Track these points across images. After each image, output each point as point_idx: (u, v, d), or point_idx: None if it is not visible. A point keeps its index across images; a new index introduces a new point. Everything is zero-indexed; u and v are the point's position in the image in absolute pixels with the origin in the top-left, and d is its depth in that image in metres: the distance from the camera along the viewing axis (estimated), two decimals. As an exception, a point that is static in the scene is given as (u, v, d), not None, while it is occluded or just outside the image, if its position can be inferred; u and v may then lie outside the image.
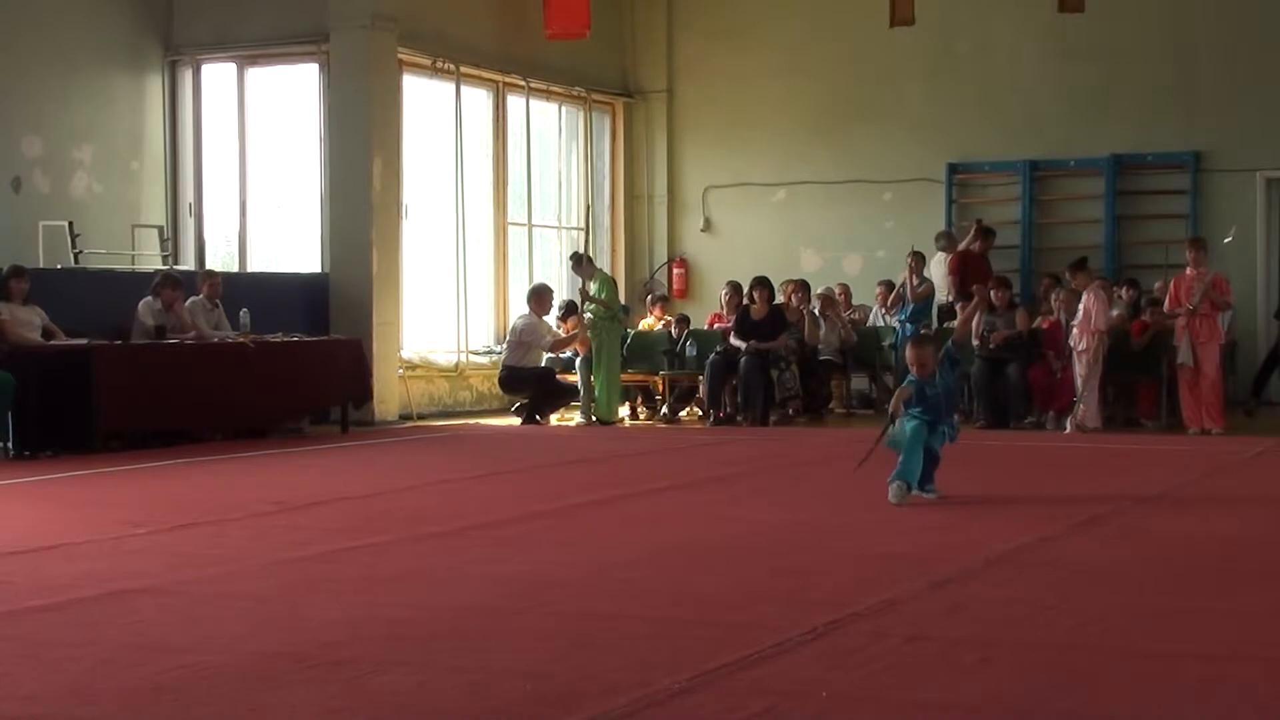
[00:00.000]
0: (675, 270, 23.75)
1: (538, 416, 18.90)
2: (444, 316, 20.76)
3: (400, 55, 19.49)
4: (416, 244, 20.33)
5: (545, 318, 19.63)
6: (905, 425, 10.55)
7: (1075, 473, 13.38)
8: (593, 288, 19.29)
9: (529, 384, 19.06)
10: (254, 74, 20.11)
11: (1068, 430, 17.04)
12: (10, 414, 14.41)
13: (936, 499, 10.70)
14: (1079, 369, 17.10)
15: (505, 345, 19.72)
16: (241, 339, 16.52)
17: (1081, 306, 17.16)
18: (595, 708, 5.25)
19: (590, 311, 19.20)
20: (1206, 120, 20.80)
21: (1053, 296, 18.40)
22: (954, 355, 11.24)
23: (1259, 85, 20.51)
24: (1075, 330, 17.14)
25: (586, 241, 22.27)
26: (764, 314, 18.88)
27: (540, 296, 19.55)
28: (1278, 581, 7.84)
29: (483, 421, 19.33)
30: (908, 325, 19.28)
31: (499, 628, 6.71)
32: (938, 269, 20.57)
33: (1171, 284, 17.38)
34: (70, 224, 17.78)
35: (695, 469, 13.75)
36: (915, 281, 19.66)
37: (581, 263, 19.62)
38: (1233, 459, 14.15)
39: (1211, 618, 6.85)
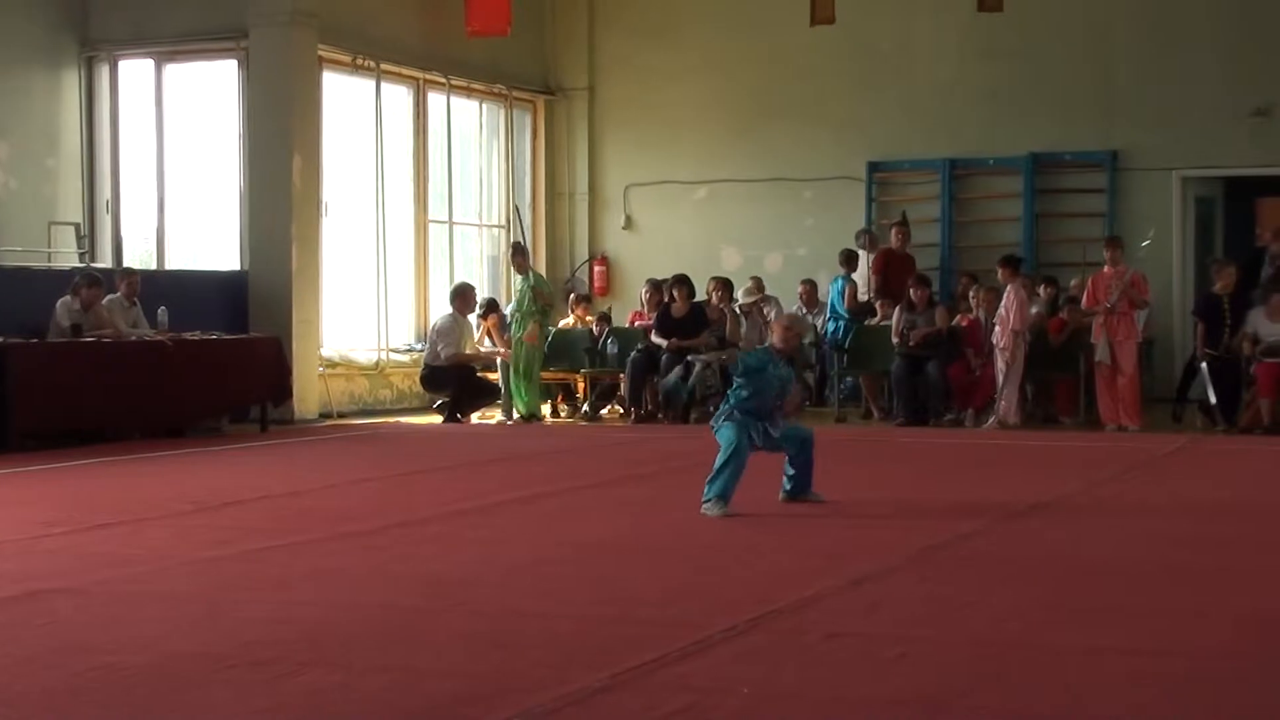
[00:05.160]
0: (596, 268, 23.72)
1: (459, 415, 18.86)
2: (364, 314, 20.65)
3: (320, 52, 19.37)
4: (336, 241, 20.22)
5: (471, 316, 19.53)
6: (727, 431, 10.06)
7: (994, 470, 13.48)
8: (526, 281, 19.25)
9: (451, 382, 18.99)
10: (172, 70, 19.94)
11: (989, 425, 17.16)
12: (-76, 413, 14.27)
13: (822, 502, 10.36)
14: (1000, 366, 17.23)
15: (426, 343, 19.66)
16: (160, 337, 16.40)
17: (1003, 304, 17.30)
18: (517, 706, 5.26)
19: (528, 309, 19.04)
20: (1123, 120, 20.97)
21: (971, 294, 18.51)
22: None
23: (1175, 85, 20.68)
24: (997, 328, 17.27)
25: (509, 240, 22.25)
26: (685, 312, 18.91)
27: (463, 296, 19.45)
28: (1195, 578, 7.93)
29: (403, 420, 19.25)
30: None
31: (420, 626, 6.70)
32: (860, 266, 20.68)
33: (1089, 282, 17.53)
34: (-15, 221, 17.63)
35: (617, 467, 13.76)
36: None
37: (521, 253, 19.70)
38: (1149, 456, 14.28)
39: (1129, 614, 6.92)
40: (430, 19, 21.37)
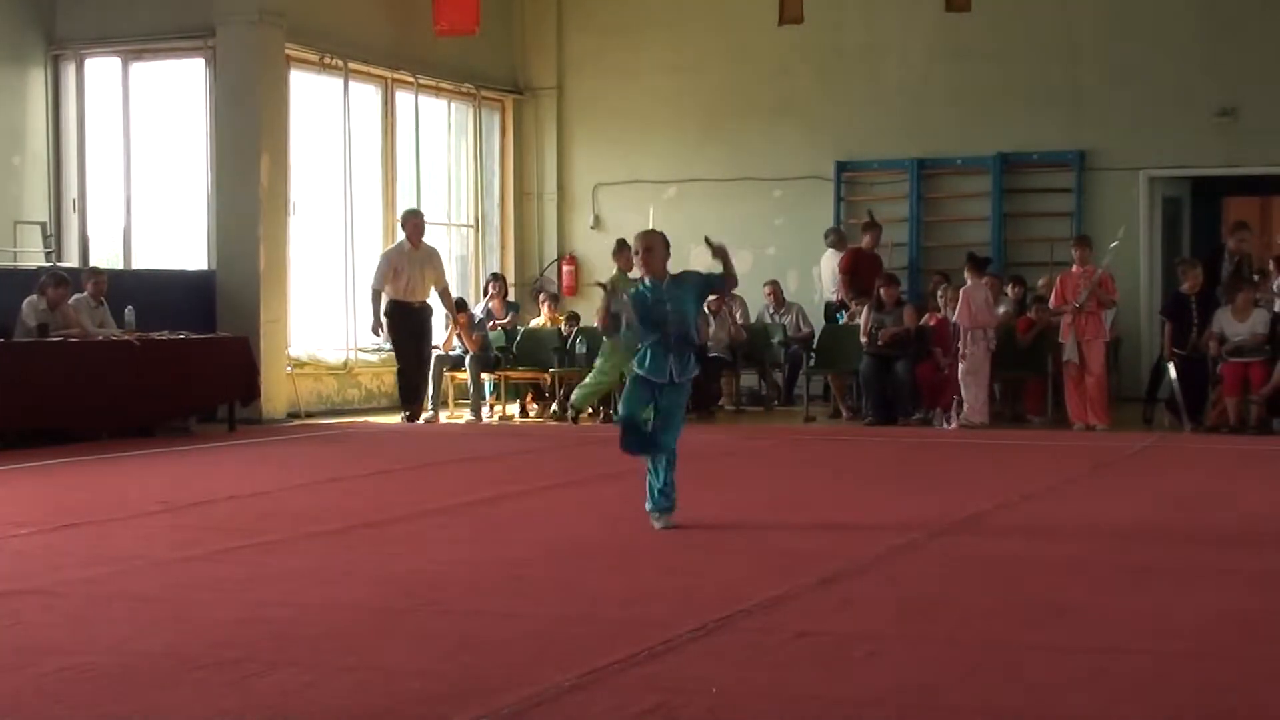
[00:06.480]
0: (565, 268, 23.70)
1: (425, 416, 18.81)
2: (332, 314, 20.61)
3: (288, 51, 19.32)
4: (304, 241, 20.17)
5: (424, 243, 19.11)
6: (629, 385, 9.57)
7: (962, 468, 13.50)
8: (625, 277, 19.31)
9: (388, 321, 18.81)
10: (139, 68, 19.87)
11: (952, 426, 17.20)
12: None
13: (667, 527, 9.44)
14: (963, 365, 17.28)
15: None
16: (127, 337, 16.34)
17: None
18: (485, 706, 5.24)
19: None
20: (1091, 120, 21.02)
21: (940, 294, 18.54)
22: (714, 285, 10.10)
23: (1142, 86, 20.74)
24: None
25: (477, 240, 22.19)
26: (653, 311, 18.86)
27: (410, 223, 19.00)
28: (1161, 576, 7.95)
29: (371, 419, 19.21)
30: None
31: (388, 627, 6.68)
32: (828, 265, 20.72)
33: (1057, 281, 17.57)
34: (-50, 220, 17.54)
35: (586, 466, 13.74)
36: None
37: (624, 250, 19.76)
38: (1117, 455, 14.32)
39: (1097, 612, 6.94)
40: (398, 18, 21.33)
